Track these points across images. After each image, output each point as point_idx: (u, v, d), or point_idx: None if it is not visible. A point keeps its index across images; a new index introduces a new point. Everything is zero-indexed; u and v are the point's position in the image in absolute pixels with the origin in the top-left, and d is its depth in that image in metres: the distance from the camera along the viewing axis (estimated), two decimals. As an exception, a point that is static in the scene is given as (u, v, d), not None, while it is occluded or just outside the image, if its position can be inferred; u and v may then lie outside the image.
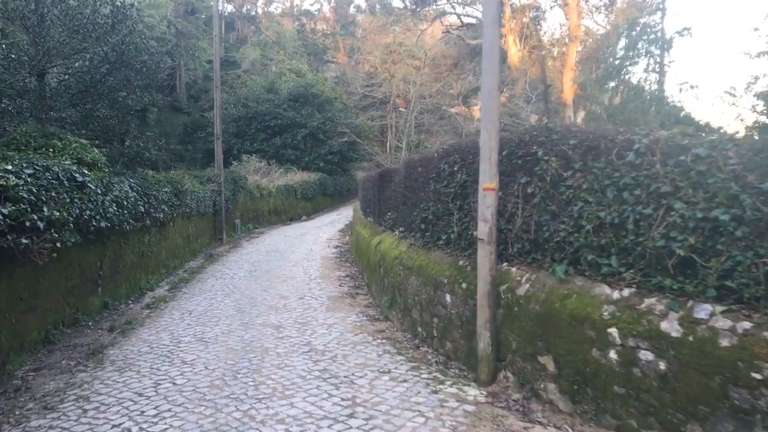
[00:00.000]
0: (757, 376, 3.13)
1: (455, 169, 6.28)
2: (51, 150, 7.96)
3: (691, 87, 19.65)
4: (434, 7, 35.64)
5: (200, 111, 38.89)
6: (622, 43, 23.24)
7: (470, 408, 4.65)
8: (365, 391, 5.08)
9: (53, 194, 6.37)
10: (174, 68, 34.58)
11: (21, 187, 5.66)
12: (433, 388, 5.11)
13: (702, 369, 3.42)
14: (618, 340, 3.95)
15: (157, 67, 12.53)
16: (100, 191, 8.08)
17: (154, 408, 4.81)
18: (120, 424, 4.51)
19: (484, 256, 5.03)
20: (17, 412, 4.85)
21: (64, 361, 6.33)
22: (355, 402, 4.83)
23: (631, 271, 4.10)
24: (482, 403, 4.76)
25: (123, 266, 9.75)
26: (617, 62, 21.37)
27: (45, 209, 6.04)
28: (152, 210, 10.84)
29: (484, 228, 5.04)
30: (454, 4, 34.24)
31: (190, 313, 8.62)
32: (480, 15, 35.37)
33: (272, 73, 41.72)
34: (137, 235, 10.42)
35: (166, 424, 4.49)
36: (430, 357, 6.16)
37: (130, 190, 9.59)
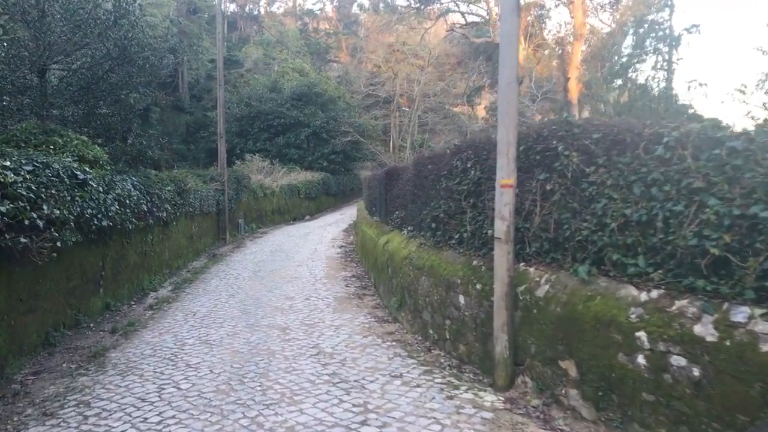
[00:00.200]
0: (805, 385, 2.92)
1: (468, 165, 6.08)
2: (52, 147, 7.78)
3: (700, 85, 19.33)
4: (438, 5, 35.42)
5: (203, 110, 38.71)
6: (629, 41, 23.02)
7: (488, 415, 4.44)
8: (377, 397, 4.88)
9: (53, 192, 6.18)
10: (176, 67, 34.42)
11: (20, 185, 5.46)
12: (448, 394, 4.90)
13: (740, 376, 3.20)
14: (647, 345, 3.74)
15: (159, 64, 12.34)
16: (101, 189, 7.89)
17: (158, 414, 4.62)
18: None
19: (502, 255, 4.82)
20: (15, 419, 4.66)
21: (64, 364, 6.14)
22: (367, 408, 4.62)
23: (660, 271, 3.88)
24: (500, 409, 4.55)
25: (125, 266, 9.56)
26: (624, 60, 21.12)
27: (45, 207, 5.85)
28: (155, 209, 10.66)
29: (501, 226, 4.83)
30: (458, 2, 34.00)
31: (194, 315, 8.43)
32: (484, 13, 35.20)
33: (275, 72, 41.56)
34: (140, 235, 10.23)
35: None
36: (442, 360, 5.95)
37: (132, 189, 9.40)
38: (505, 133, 4.74)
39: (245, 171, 24.16)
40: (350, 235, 18.94)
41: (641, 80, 21.01)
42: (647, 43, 20.46)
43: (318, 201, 31.49)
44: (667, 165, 3.86)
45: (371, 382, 5.27)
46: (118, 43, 11.12)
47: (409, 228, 8.52)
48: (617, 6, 27.74)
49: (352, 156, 37.02)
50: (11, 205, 5.26)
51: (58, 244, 6.21)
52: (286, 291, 10.07)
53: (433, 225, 7.05)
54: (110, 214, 8.09)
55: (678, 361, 3.55)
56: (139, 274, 10.32)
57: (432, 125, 39.32)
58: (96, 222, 7.62)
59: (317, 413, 4.54)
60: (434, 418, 4.39)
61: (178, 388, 5.21)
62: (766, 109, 15.59)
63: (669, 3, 20.59)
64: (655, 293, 3.87)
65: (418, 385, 5.14)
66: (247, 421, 4.43)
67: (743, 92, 16.95)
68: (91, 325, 7.83)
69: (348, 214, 27.17)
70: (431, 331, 6.64)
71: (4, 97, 9.95)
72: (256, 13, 59.48)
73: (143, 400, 4.94)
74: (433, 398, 4.80)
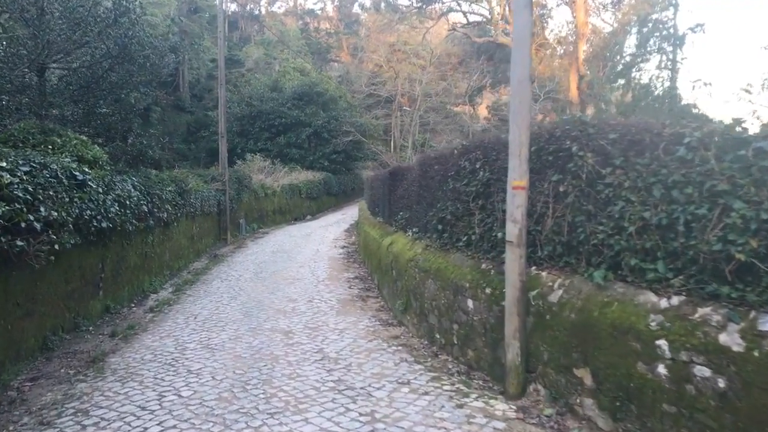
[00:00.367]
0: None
1: (477, 166, 5.92)
2: (50, 147, 7.62)
3: (705, 84, 19.08)
4: (440, 4, 35.24)
5: (204, 110, 38.58)
6: (632, 40, 22.82)
7: (500, 425, 4.28)
8: (384, 405, 4.72)
9: (51, 193, 6.02)
10: (177, 67, 34.26)
11: (16, 186, 5.31)
12: (458, 402, 4.75)
13: (770, 388, 3.05)
14: (668, 354, 3.58)
15: (160, 62, 12.17)
16: (101, 190, 7.74)
17: (158, 424, 4.46)
18: (121, 441, 4.18)
19: (514, 259, 4.66)
20: (11, 428, 4.51)
21: (62, 370, 5.98)
22: (374, 417, 4.47)
23: (681, 277, 3.72)
24: (512, 419, 4.40)
25: (125, 268, 9.41)
26: (628, 59, 20.93)
27: (42, 209, 5.69)
28: (156, 210, 10.51)
29: (513, 229, 4.67)
30: (460, 1, 33.81)
31: (195, 318, 8.28)
32: (486, 13, 35.02)
33: (276, 72, 41.43)
34: (140, 236, 10.08)
35: (171, 442, 4.15)
36: (450, 366, 5.80)
37: (132, 189, 9.25)
38: (517, 133, 4.58)
39: (246, 171, 24.02)
40: (352, 236, 18.79)
41: (645, 80, 20.81)
42: (651, 42, 20.26)
43: (319, 201, 31.36)
44: (688, 166, 3.70)
45: (378, 389, 5.12)
46: (118, 41, 10.96)
47: (414, 229, 8.37)
48: (619, 5, 27.57)
49: (353, 156, 36.90)
50: (7, 207, 5.11)
51: (56, 246, 6.06)
52: (289, 293, 9.92)
53: (440, 227, 6.90)
54: (110, 216, 7.94)
55: (702, 371, 3.40)
56: (140, 275, 10.17)
57: (433, 125, 39.20)
58: (95, 223, 7.47)
59: (323, 423, 4.39)
60: (444, 428, 4.24)
61: (179, 396, 5.06)
62: (772, 108, 15.42)
63: (673, 2, 20.40)
64: (675, 300, 3.71)
65: (427, 393, 4.99)
66: (250, 431, 4.28)
67: (749, 92, 16.79)
68: (91, 328, 7.68)
69: (349, 214, 27.03)
70: (438, 336, 6.49)
71: (3, 96, 9.80)
72: (257, 12, 59.38)
73: (143, 409, 4.79)
74: (443, 407, 4.65)
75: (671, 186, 3.79)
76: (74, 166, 7.12)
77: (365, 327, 7.56)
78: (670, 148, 3.85)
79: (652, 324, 3.72)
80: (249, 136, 32.77)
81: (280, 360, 6.07)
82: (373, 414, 4.53)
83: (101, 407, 4.85)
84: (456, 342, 6.03)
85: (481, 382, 5.25)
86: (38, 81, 10.54)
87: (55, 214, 6.02)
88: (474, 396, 4.88)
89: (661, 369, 3.62)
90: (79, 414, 4.71)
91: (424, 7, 35.45)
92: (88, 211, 7.22)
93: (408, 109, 38.79)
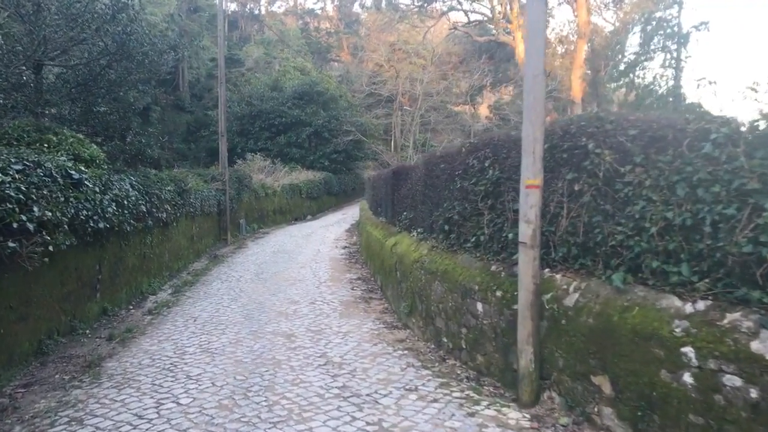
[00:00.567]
0: None
1: (486, 164, 5.72)
2: (46, 145, 7.42)
3: (710, 83, 18.91)
4: (441, 3, 35.07)
5: (203, 110, 38.39)
6: (634, 39, 22.65)
7: (514, 435, 4.09)
8: (392, 413, 4.52)
9: (45, 192, 5.81)
10: (177, 65, 34.06)
11: (8, 185, 5.10)
12: (469, 410, 4.55)
13: (807, 399, 2.86)
14: (695, 362, 3.38)
15: (159, 59, 11.94)
16: (98, 189, 7.54)
17: (156, 434, 4.27)
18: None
19: (527, 262, 4.46)
20: (2, 438, 4.31)
21: (57, 375, 5.78)
22: (382, 427, 4.26)
23: (707, 280, 3.53)
24: (527, 428, 4.20)
25: (123, 269, 9.20)
26: (632, 57, 20.75)
27: (35, 209, 5.49)
28: (154, 210, 10.30)
29: (526, 230, 4.47)
30: (461, 0, 33.65)
31: (195, 320, 8.08)
32: (487, 11, 34.83)
33: (276, 71, 41.23)
34: (138, 236, 9.87)
35: (168, 453, 3.95)
36: (459, 371, 5.60)
37: (131, 189, 9.05)
38: (530, 130, 4.39)
39: (246, 170, 23.82)
40: (353, 236, 18.60)
41: (649, 78, 20.64)
42: (655, 40, 20.09)
43: (320, 201, 31.16)
44: (715, 164, 3.51)
45: (384, 396, 4.92)
46: (116, 38, 10.73)
47: (418, 230, 8.17)
48: (621, 4, 27.39)
49: (353, 155, 36.70)
50: (-1, 207, 4.91)
51: (51, 248, 5.85)
52: (290, 294, 9.72)
53: (446, 227, 6.70)
54: (107, 216, 7.73)
55: (732, 380, 3.20)
56: (138, 277, 9.97)
57: (434, 124, 39.00)
58: (92, 224, 7.26)
59: (328, 433, 4.19)
60: (456, 438, 4.04)
61: (178, 403, 4.86)
62: (779, 107, 15.23)
63: (677, 0, 20.23)
64: (701, 304, 3.51)
65: (435, 400, 4.79)
66: (252, 441, 4.08)
67: (755, 90, 16.60)
68: (87, 331, 7.48)
69: (350, 214, 26.84)
70: (445, 340, 6.29)
71: (-1, 94, 9.61)
72: (257, 12, 59.16)
73: (140, 417, 4.58)
74: (453, 415, 4.45)
75: (696, 184, 3.59)
76: (70, 164, 6.91)
77: (369, 330, 7.37)
78: (695, 145, 3.66)
79: (677, 330, 3.52)
80: (249, 136, 32.57)
81: (283, 365, 5.87)
82: (381, 423, 4.33)
83: (96, 416, 4.64)
84: (464, 346, 5.83)
85: (491, 389, 5.05)
86: (35, 78, 10.32)
87: (50, 214, 5.82)
88: (485, 403, 4.69)
89: (687, 378, 3.42)
90: (73, 423, 4.51)
91: (425, 5, 35.28)
92: (85, 211, 7.01)
93: (409, 108, 38.59)
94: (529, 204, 4.44)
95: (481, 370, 5.49)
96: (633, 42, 23.56)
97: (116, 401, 4.96)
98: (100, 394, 5.15)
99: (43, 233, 5.70)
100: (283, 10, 62.28)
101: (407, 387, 5.12)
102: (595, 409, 4.10)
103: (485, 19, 36.10)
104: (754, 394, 3.08)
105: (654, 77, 20.40)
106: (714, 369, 3.28)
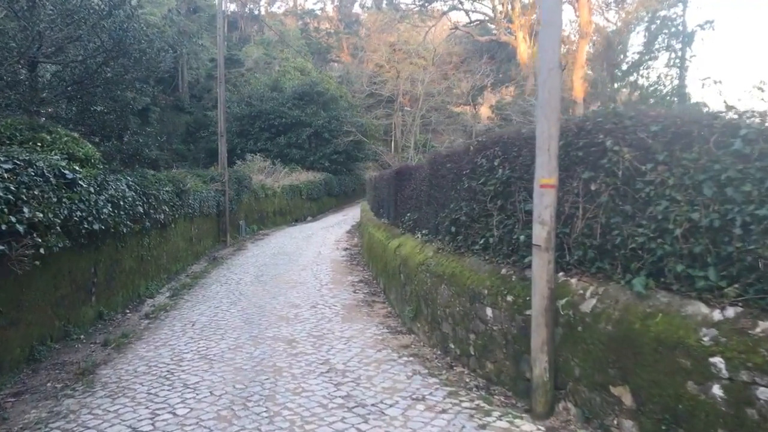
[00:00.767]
0: None
1: (495, 164, 5.49)
2: (39, 144, 7.19)
3: (715, 82, 18.66)
4: (442, 3, 34.89)
5: (203, 110, 38.16)
6: (638, 38, 22.44)
7: (529, 449, 3.86)
8: (399, 425, 4.29)
9: (36, 192, 5.58)
10: (176, 65, 33.82)
11: (-3, 185, 4.88)
12: (479, 421, 4.32)
13: None
14: (725, 373, 3.16)
15: (157, 57, 11.69)
16: (92, 190, 7.30)
17: (150, 448, 4.04)
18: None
19: (541, 265, 4.24)
20: (-12, 452, 4.09)
21: (49, 383, 5.55)
22: (389, 440, 4.04)
23: (736, 285, 3.31)
24: (542, 441, 3.98)
25: (120, 272, 8.97)
26: (636, 57, 20.54)
27: (26, 210, 5.26)
28: (152, 211, 10.07)
29: (541, 232, 4.25)
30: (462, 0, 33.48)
31: (193, 325, 7.85)
32: (489, 11, 34.66)
33: (276, 72, 41.02)
34: (136, 238, 9.64)
35: (163, 469, 3.72)
36: (467, 379, 5.37)
37: (127, 189, 8.82)
38: (546, 126, 4.16)
39: (246, 171, 23.59)
40: (354, 237, 18.37)
41: (653, 78, 20.42)
42: (660, 39, 19.88)
43: (320, 202, 30.93)
44: (746, 162, 3.29)
45: (391, 406, 4.69)
46: (113, 34, 10.48)
47: (423, 231, 7.94)
48: (623, 4, 27.17)
49: (354, 156, 36.46)
50: (-14, 208, 4.69)
51: (42, 250, 5.62)
52: (291, 298, 9.49)
53: (453, 229, 6.47)
54: (102, 217, 7.51)
55: (766, 394, 2.98)
56: (135, 279, 9.74)
57: (435, 125, 38.77)
58: (86, 225, 7.03)
59: (333, 447, 3.97)
60: (468, 452, 3.82)
61: (174, 414, 4.63)
62: (786, 106, 15.01)
63: (682, -2, 20.01)
64: (731, 311, 3.29)
65: (444, 411, 4.56)
66: (252, 456, 3.85)
67: (762, 90, 16.38)
68: (82, 336, 7.25)
69: (351, 215, 26.62)
70: (452, 346, 6.06)
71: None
72: (256, 12, 58.94)
73: (134, 430, 4.35)
74: (463, 427, 4.22)
75: (725, 183, 3.38)
76: (63, 164, 6.68)
77: (373, 335, 7.14)
78: (723, 141, 3.44)
79: (705, 339, 3.30)
80: (249, 136, 32.34)
81: (284, 372, 5.64)
82: (388, 436, 4.11)
83: (88, 427, 4.41)
84: (473, 353, 5.60)
85: (502, 398, 4.83)
86: (30, 76, 10.09)
87: (41, 215, 5.59)
88: (497, 414, 4.46)
89: (716, 390, 3.20)
90: (63, 435, 4.29)
91: (425, 5, 35.09)
92: (79, 212, 6.79)
93: (409, 109, 38.40)
94: (544, 204, 4.22)
95: (491, 378, 5.27)
96: (636, 41, 23.41)
97: (110, 412, 4.73)
98: (93, 404, 4.92)
99: (34, 235, 5.47)
100: (282, 10, 62.13)
101: (414, 396, 4.90)
102: (615, 422, 3.88)
103: (486, 18, 35.95)
104: (792, 409, 2.86)
105: (658, 77, 20.19)
106: (746, 381, 3.06)
